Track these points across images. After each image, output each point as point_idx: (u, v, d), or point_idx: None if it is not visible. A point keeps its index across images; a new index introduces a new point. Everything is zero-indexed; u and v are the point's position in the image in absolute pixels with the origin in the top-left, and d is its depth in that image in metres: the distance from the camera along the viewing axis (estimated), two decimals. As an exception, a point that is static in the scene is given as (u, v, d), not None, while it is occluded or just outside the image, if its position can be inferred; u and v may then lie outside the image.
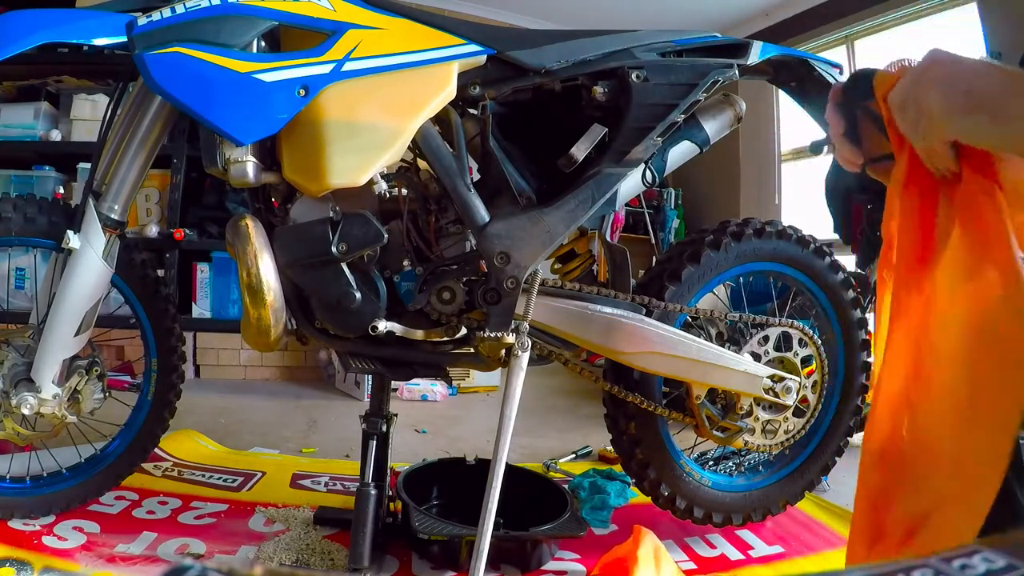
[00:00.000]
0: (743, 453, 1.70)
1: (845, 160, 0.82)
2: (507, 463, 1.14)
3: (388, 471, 1.37)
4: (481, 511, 1.10)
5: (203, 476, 1.72)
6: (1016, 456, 0.93)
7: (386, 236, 1.17)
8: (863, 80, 0.75)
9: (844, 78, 1.46)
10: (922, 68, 0.68)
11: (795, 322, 1.42)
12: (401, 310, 1.25)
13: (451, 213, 1.24)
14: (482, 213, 1.19)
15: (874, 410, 0.76)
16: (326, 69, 1.08)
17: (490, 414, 2.66)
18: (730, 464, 1.71)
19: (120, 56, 1.10)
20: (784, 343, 1.42)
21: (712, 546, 1.49)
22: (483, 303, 1.20)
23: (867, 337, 1.56)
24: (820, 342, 1.46)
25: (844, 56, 3.82)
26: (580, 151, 1.22)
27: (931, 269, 0.71)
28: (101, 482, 1.42)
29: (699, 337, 1.35)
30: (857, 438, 1.27)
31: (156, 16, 1.06)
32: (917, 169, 0.72)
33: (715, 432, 1.40)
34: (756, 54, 1.33)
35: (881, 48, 3.69)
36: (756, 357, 1.39)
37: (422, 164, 1.25)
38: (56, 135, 2.78)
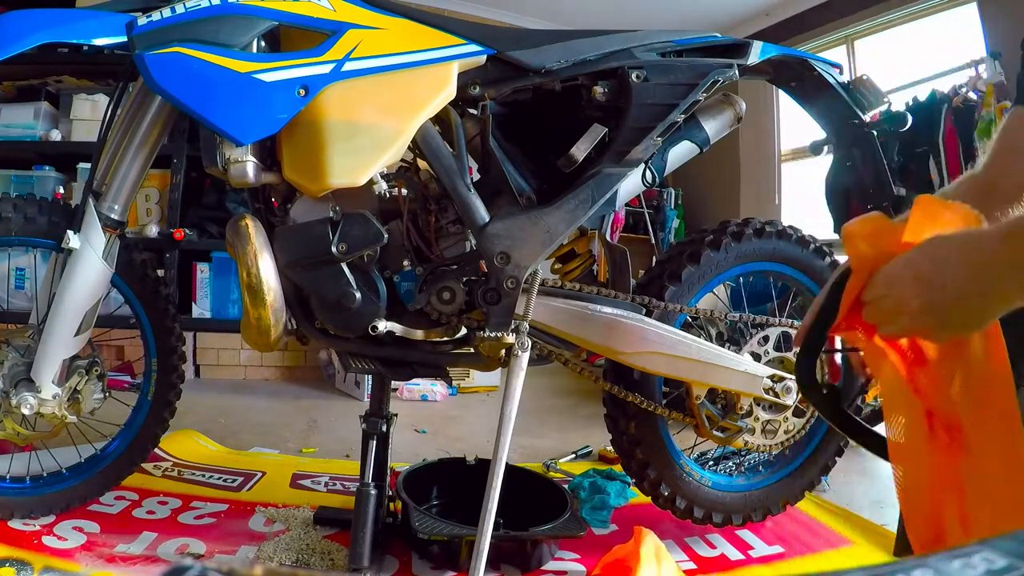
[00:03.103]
0: (743, 453, 1.70)
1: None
2: (507, 463, 1.14)
3: (388, 471, 1.37)
4: (481, 511, 1.10)
5: (203, 476, 1.72)
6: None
7: (386, 236, 1.17)
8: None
9: (844, 78, 1.47)
10: (902, 292, 0.68)
11: (795, 322, 1.42)
12: (401, 310, 1.25)
13: (451, 213, 1.24)
14: (482, 213, 1.19)
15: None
16: (326, 69, 1.08)
17: (490, 414, 2.66)
18: (730, 464, 1.71)
19: (120, 56, 1.10)
20: (784, 343, 1.42)
21: (712, 546, 1.49)
22: (483, 303, 1.20)
23: (867, 337, 1.56)
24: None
25: (844, 56, 3.82)
26: (580, 151, 1.22)
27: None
28: (101, 482, 1.41)
29: (699, 337, 1.35)
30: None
31: (156, 16, 1.06)
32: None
33: (715, 432, 1.40)
34: (756, 54, 1.33)
35: (881, 48, 3.69)
36: (756, 357, 1.39)
37: (422, 164, 1.25)
38: (56, 135, 2.78)
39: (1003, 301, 0.62)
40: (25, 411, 1.23)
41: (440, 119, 1.21)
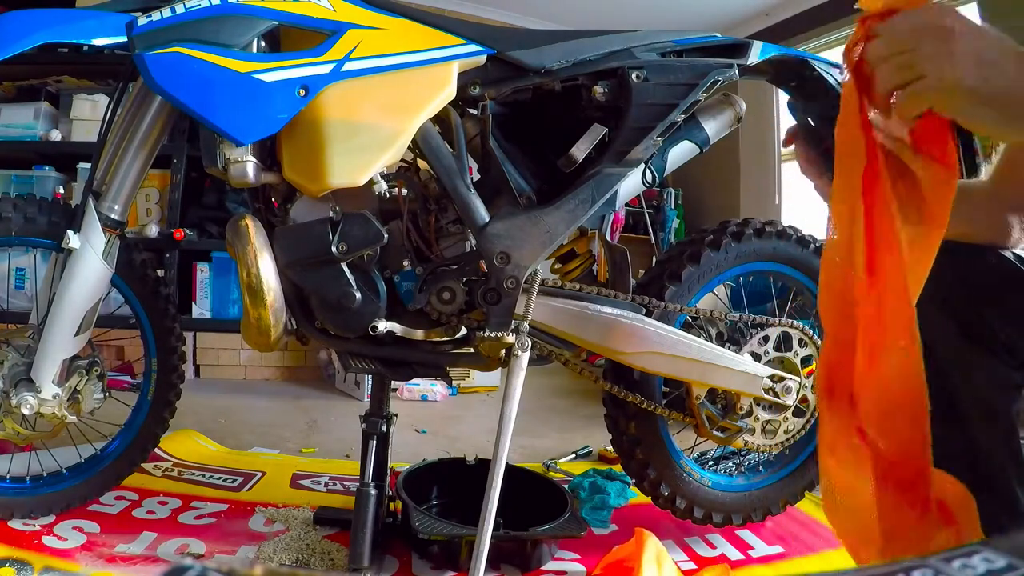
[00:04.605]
0: (743, 453, 1.70)
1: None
2: (507, 463, 1.14)
3: (388, 471, 1.37)
4: (481, 511, 1.10)
5: (203, 476, 1.72)
6: (1018, 456, 0.94)
7: (386, 236, 1.17)
8: None
9: (844, 78, 1.47)
10: (942, 26, 0.63)
11: (795, 322, 1.42)
12: (401, 310, 1.25)
13: (451, 213, 1.24)
14: (482, 213, 1.19)
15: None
16: (326, 69, 1.08)
17: (490, 414, 2.66)
18: (730, 464, 1.71)
19: (120, 56, 1.10)
20: (784, 343, 1.42)
21: (712, 546, 1.49)
22: (483, 303, 1.20)
23: (867, 337, 1.56)
24: (820, 342, 1.46)
25: (844, 56, 3.81)
26: (580, 151, 1.22)
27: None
28: (101, 482, 1.41)
29: (699, 337, 1.35)
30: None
31: (156, 16, 1.06)
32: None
33: (715, 432, 1.40)
34: (756, 54, 1.33)
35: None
36: (756, 357, 1.39)
37: (422, 164, 1.25)
38: (56, 135, 2.78)
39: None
40: (25, 411, 1.23)
41: (440, 119, 1.21)
